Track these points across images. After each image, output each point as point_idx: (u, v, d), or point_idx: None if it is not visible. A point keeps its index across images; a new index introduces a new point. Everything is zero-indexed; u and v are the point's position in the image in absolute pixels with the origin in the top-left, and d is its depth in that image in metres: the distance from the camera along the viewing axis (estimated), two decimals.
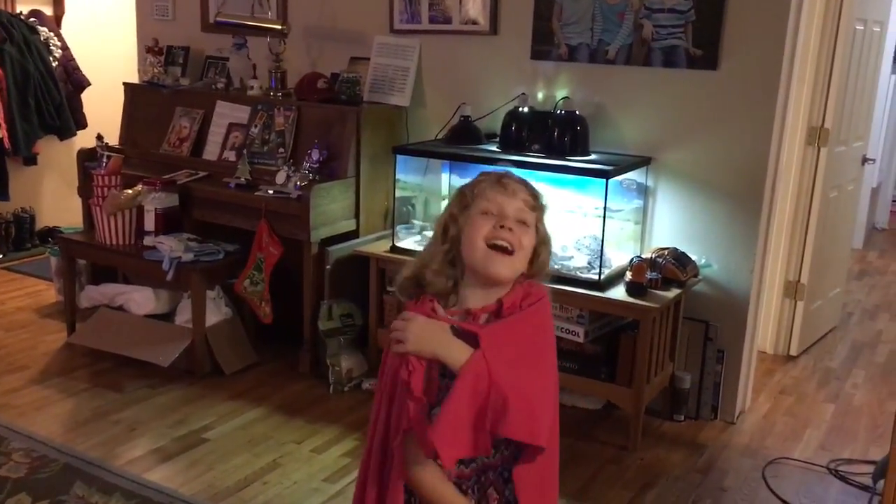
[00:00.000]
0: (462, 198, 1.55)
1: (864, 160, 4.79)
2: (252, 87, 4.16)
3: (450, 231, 1.53)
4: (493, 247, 1.48)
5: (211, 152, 4.15)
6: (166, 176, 3.96)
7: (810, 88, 4.06)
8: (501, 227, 1.49)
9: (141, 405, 3.45)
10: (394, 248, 3.69)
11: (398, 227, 3.76)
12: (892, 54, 6.19)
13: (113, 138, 4.45)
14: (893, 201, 7.84)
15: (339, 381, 3.65)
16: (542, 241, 1.56)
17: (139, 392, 3.56)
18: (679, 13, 3.34)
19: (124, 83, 4.59)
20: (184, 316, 3.84)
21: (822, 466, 3.20)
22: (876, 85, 4.76)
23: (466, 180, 1.63)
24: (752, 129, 3.32)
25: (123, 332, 3.86)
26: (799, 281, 4.27)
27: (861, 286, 5.76)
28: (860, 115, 4.48)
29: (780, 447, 3.34)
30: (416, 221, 3.90)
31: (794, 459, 3.24)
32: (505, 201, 1.50)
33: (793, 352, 4.34)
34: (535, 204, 1.55)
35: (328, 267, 3.70)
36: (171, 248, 3.68)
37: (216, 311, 3.80)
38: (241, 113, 4.11)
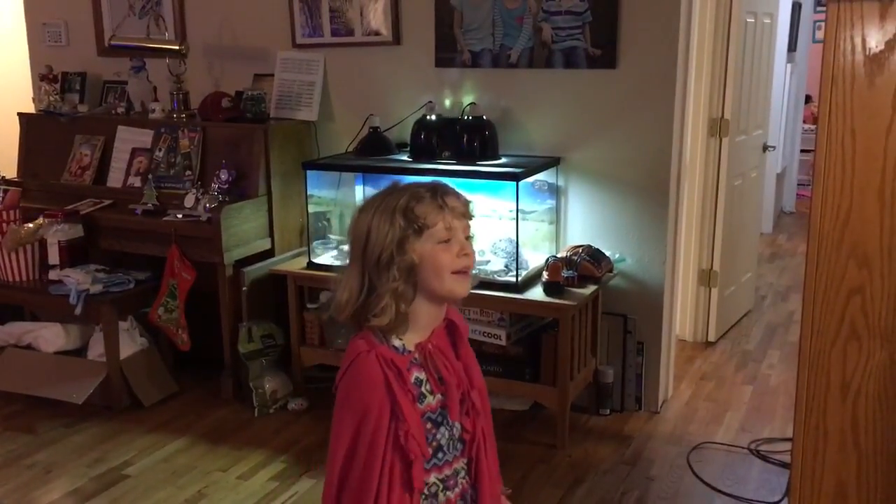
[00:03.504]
0: (408, 223, 1.46)
1: (765, 147, 4.97)
2: (154, 110, 4.05)
3: (404, 264, 1.46)
4: (457, 272, 1.49)
5: (115, 179, 4.03)
6: (68, 206, 3.82)
7: (708, 81, 4.19)
8: (464, 254, 1.49)
9: (56, 446, 3.32)
10: (311, 265, 3.65)
11: (314, 243, 3.72)
12: (786, 44, 6.44)
13: (11, 171, 4.28)
14: (800, 185, 8.15)
15: (263, 403, 3.58)
16: None
17: (54, 432, 3.42)
18: (576, 14, 3.40)
19: (19, 113, 4.41)
20: (96, 350, 3.70)
21: (743, 448, 3.29)
22: (771, 75, 4.94)
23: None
24: (654, 124, 3.39)
25: (34, 372, 3.70)
26: (712, 268, 4.39)
27: (773, 269, 5.96)
28: (757, 104, 4.64)
29: (703, 432, 3.42)
30: (332, 236, 3.86)
31: (717, 443, 3.32)
32: (459, 226, 1.50)
33: (711, 338, 4.45)
34: (472, 214, 1.56)
35: (245, 288, 3.63)
36: (78, 280, 3.55)
37: (131, 343, 3.68)
38: (144, 137, 4.00)
